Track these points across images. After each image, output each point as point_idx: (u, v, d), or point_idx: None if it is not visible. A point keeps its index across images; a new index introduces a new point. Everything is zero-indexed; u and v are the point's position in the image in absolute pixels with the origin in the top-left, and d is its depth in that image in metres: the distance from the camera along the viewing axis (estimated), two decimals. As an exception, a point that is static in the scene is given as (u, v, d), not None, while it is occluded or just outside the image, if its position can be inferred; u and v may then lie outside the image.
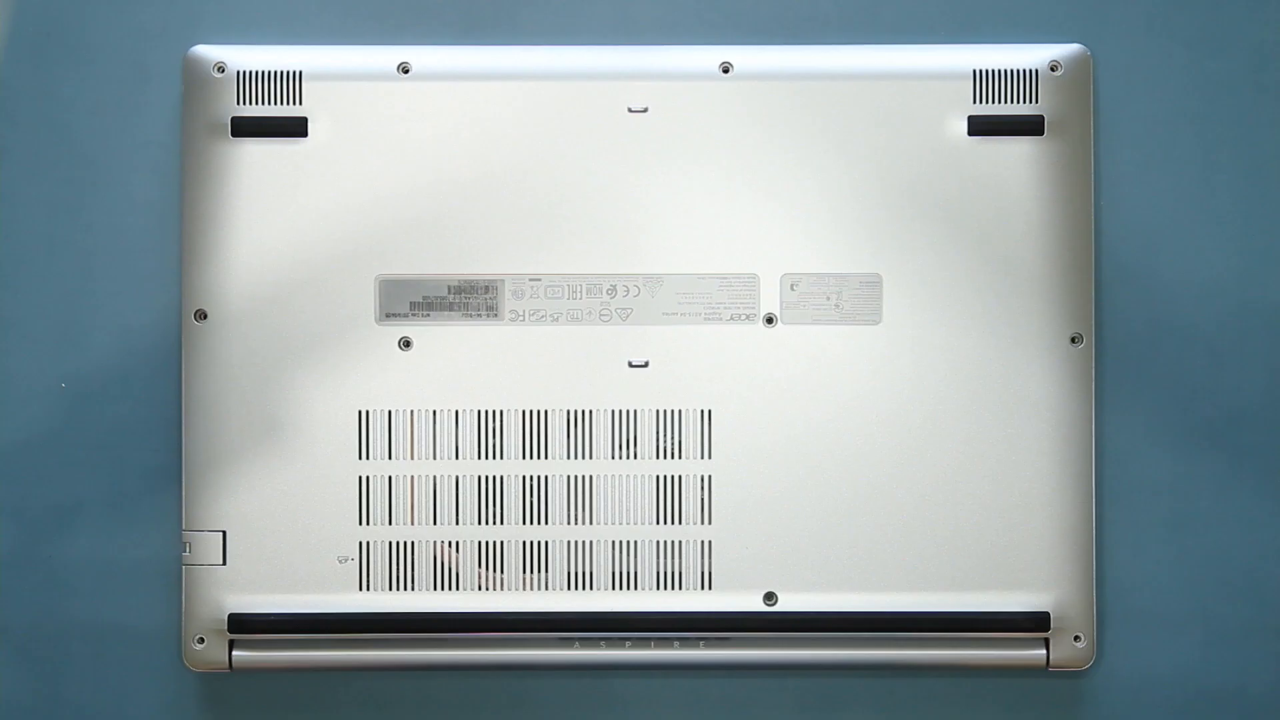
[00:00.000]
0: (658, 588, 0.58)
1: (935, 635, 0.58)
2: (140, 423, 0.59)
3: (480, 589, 0.58)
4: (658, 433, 0.58)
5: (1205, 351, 0.60)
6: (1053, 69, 0.58)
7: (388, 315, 0.58)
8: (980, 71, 0.58)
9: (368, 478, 0.58)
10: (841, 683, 0.60)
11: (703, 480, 0.58)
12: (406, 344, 0.58)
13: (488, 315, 0.58)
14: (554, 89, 0.58)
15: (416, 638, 0.58)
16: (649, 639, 0.58)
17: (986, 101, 0.58)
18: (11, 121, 0.59)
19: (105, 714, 0.59)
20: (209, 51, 0.58)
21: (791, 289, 0.58)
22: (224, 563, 0.58)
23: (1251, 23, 0.59)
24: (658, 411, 0.58)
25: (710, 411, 0.58)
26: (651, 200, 0.58)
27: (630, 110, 0.58)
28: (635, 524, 0.58)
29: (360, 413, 0.58)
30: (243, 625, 0.57)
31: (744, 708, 0.59)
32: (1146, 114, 0.59)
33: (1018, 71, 0.58)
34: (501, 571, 0.58)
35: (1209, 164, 0.59)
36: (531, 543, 0.58)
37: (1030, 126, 0.57)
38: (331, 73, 0.58)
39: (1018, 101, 0.58)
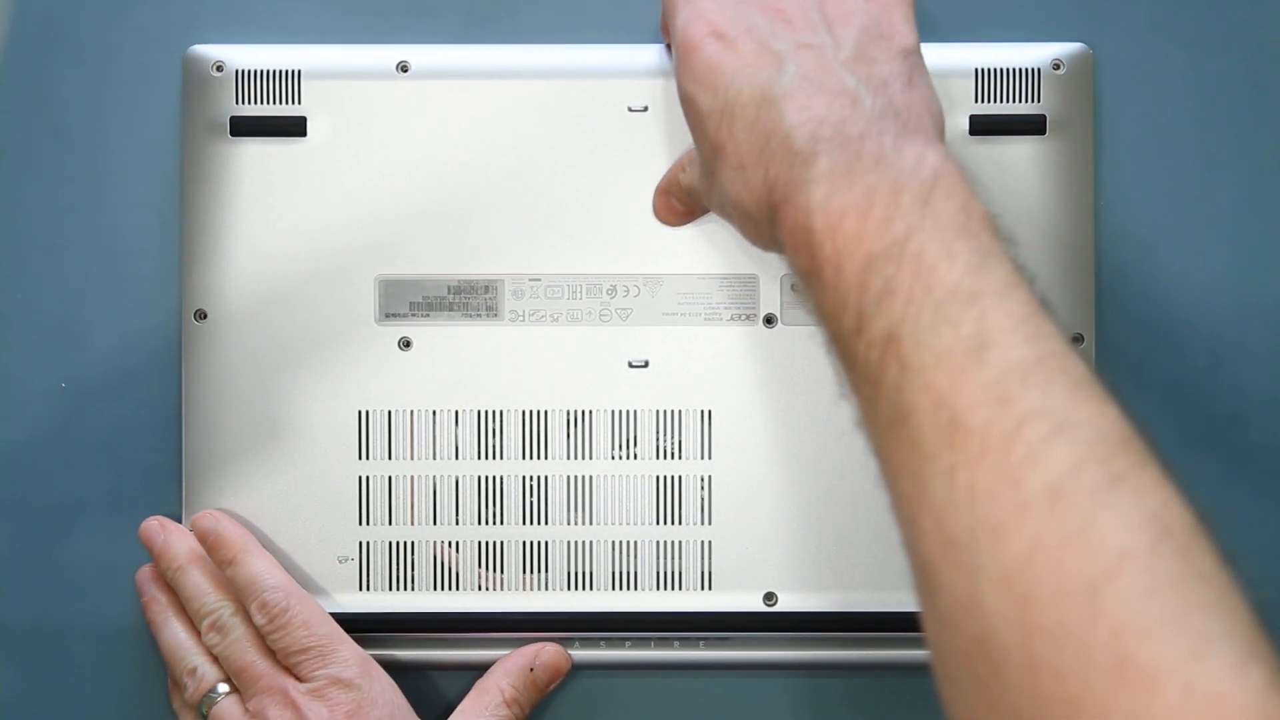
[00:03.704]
0: (657, 588, 0.58)
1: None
2: (141, 422, 0.59)
3: (480, 589, 0.58)
4: (657, 433, 0.58)
5: (1205, 352, 0.59)
6: (1055, 67, 0.58)
7: (387, 315, 0.58)
8: (981, 70, 0.58)
9: (367, 478, 0.58)
10: (841, 683, 0.59)
11: (702, 480, 0.58)
12: (406, 344, 0.58)
13: (488, 315, 0.58)
14: (553, 88, 0.58)
15: (417, 637, 0.58)
16: (649, 639, 0.58)
17: (988, 100, 0.58)
18: (11, 121, 0.59)
19: (105, 714, 0.59)
20: (207, 51, 0.58)
21: (792, 289, 0.58)
22: (224, 563, 0.58)
23: (1250, 22, 0.59)
24: (658, 412, 0.58)
25: (710, 412, 0.58)
26: (650, 198, 0.58)
27: (630, 110, 0.57)
28: (635, 524, 0.58)
29: (360, 413, 0.58)
30: (243, 625, 0.57)
31: (744, 708, 0.59)
32: (1149, 113, 0.59)
33: (1020, 70, 0.58)
34: (501, 572, 0.58)
35: (1211, 164, 0.59)
36: (531, 543, 0.58)
37: (1032, 126, 0.57)
38: (330, 72, 0.58)
39: (1019, 100, 0.58)
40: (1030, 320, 0.38)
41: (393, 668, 0.57)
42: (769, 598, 0.58)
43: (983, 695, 0.35)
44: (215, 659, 0.56)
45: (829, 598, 0.58)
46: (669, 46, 0.53)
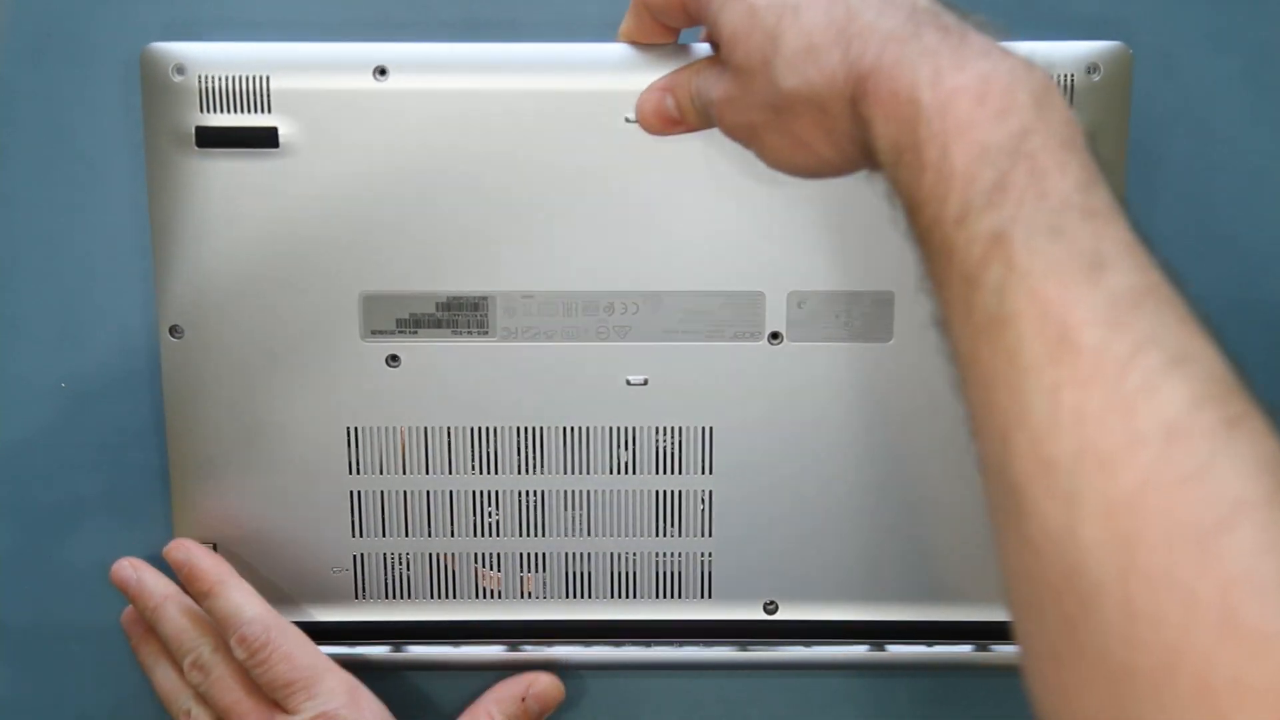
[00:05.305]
0: (657, 596, 0.58)
1: (938, 641, 0.58)
2: (138, 424, 0.58)
3: (478, 596, 0.58)
4: (657, 449, 0.56)
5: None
6: (1090, 71, 0.53)
7: (373, 332, 0.55)
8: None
9: (359, 493, 0.57)
10: (841, 683, 0.60)
11: (703, 495, 0.57)
12: (394, 360, 0.55)
13: (478, 332, 0.55)
14: (546, 95, 0.53)
15: (415, 641, 0.58)
16: (649, 641, 0.59)
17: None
18: (11, 121, 0.55)
19: (105, 714, 0.60)
20: (165, 50, 0.53)
21: (799, 306, 0.55)
22: (219, 576, 0.57)
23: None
24: (657, 429, 0.56)
25: (711, 429, 0.56)
26: (650, 214, 0.54)
27: (628, 120, 0.53)
28: (634, 536, 0.57)
29: (349, 429, 0.56)
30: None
31: (744, 708, 0.60)
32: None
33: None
34: (498, 570, 0.58)
35: (1211, 162, 0.56)
36: (529, 554, 0.57)
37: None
38: (300, 74, 0.53)
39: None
40: (1137, 247, 0.36)
41: (391, 667, 0.58)
42: (769, 606, 0.58)
43: (1068, 631, 0.34)
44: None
45: (829, 607, 0.58)
46: None
